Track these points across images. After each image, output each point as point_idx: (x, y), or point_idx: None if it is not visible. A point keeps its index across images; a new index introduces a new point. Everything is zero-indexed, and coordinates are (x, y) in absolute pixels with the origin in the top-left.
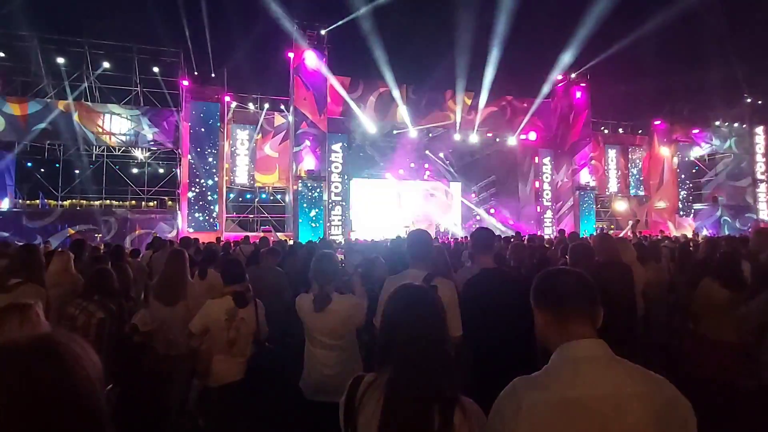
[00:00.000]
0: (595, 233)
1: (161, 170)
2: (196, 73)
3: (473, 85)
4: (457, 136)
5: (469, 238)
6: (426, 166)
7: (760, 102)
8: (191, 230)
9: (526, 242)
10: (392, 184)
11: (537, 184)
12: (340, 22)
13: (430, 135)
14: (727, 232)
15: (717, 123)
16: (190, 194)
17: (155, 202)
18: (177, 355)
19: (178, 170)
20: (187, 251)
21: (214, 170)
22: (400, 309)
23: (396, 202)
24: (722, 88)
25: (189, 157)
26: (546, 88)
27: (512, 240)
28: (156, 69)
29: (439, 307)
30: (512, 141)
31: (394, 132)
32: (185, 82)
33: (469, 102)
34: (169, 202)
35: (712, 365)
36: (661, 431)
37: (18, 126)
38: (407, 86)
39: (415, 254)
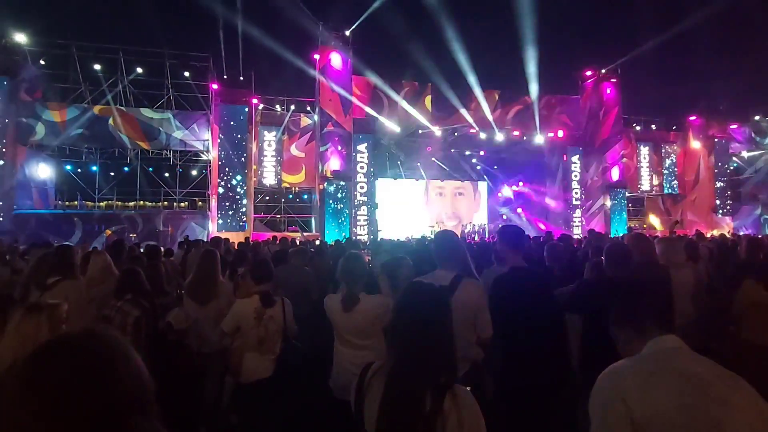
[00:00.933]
0: (627, 233)
1: (192, 172)
2: (225, 76)
3: (500, 82)
4: (482, 135)
5: (496, 237)
6: (452, 165)
7: None
8: (220, 230)
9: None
10: (418, 184)
11: (566, 182)
12: (361, 19)
13: (456, 134)
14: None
15: (757, 118)
16: (220, 194)
17: (186, 203)
18: (210, 353)
19: (208, 171)
20: (218, 251)
21: (243, 171)
22: (406, 304)
23: (422, 201)
24: (762, 80)
25: (218, 158)
26: (574, 85)
27: (542, 240)
28: (186, 73)
29: (444, 306)
30: (539, 139)
31: (420, 132)
32: (214, 86)
33: (496, 100)
34: (200, 203)
35: (757, 370)
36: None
37: (57, 131)
38: (432, 85)
39: (442, 255)
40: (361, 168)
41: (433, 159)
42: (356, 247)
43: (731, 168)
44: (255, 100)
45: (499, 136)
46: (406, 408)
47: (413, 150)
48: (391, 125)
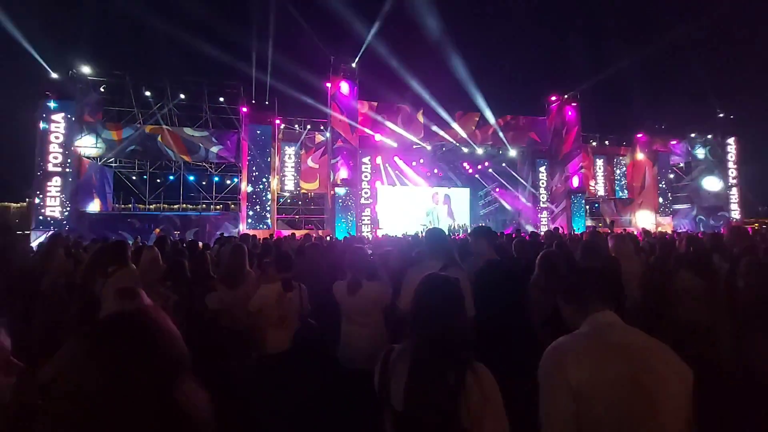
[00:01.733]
0: (585, 231)
1: (226, 180)
2: (253, 101)
3: (480, 106)
4: (465, 149)
5: (470, 236)
6: (440, 174)
7: (731, 116)
8: (249, 228)
9: (527, 238)
10: (412, 190)
11: (535, 188)
12: (362, 51)
13: (443, 149)
14: (702, 229)
15: (692, 135)
16: (248, 200)
17: (221, 206)
18: (238, 329)
19: (239, 180)
20: (246, 245)
21: (268, 179)
22: (426, 292)
23: (416, 204)
24: (696, 104)
25: (247, 169)
26: (541, 108)
27: (513, 236)
28: (221, 99)
29: (458, 293)
30: (513, 153)
31: (414, 147)
32: (244, 109)
33: (476, 120)
34: (232, 206)
35: (688, 344)
36: (687, 379)
37: (114, 146)
38: (424, 108)
39: (432, 248)
40: (365, 176)
41: (424, 169)
42: (361, 242)
43: (671, 176)
44: (278, 121)
45: (479, 150)
46: (433, 384)
47: (408, 161)
48: (389, 141)
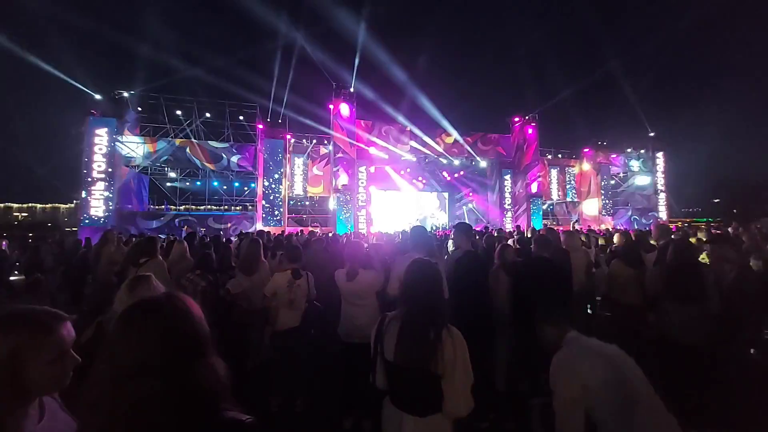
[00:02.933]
0: (542, 228)
1: (245, 186)
2: (268, 119)
3: (457, 124)
4: (444, 161)
5: (453, 231)
6: (424, 181)
7: (659, 134)
8: (264, 226)
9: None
10: (401, 194)
11: (501, 194)
12: (356, 77)
13: (427, 160)
14: (635, 227)
15: (629, 150)
16: (264, 202)
17: (240, 206)
18: (255, 310)
19: (256, 185)
20: (261, 240)
21: (280, 184)
22: (414, 272)
23: (405, 206)
24: (633, 124)
25: (262, 176)
26: (506, 126)
27: (484, 232)
28: (241, 117)
29: (438, 274)
30: (483, 164)
31: (402, 158)
32: (260, 126)
33: (452, 137)
34: (249, 207)
35: (621, 321)
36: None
37: (150, 157)
38: (410, 128)
39: (415, 242)
40: (361, 182)
41: (411, 176)
42: (358, 237)
43: (612, 183)
44: (288, 136)
45: (456, 162)
46: (416, 339)
47: (397, 170)
48: (381, 154)
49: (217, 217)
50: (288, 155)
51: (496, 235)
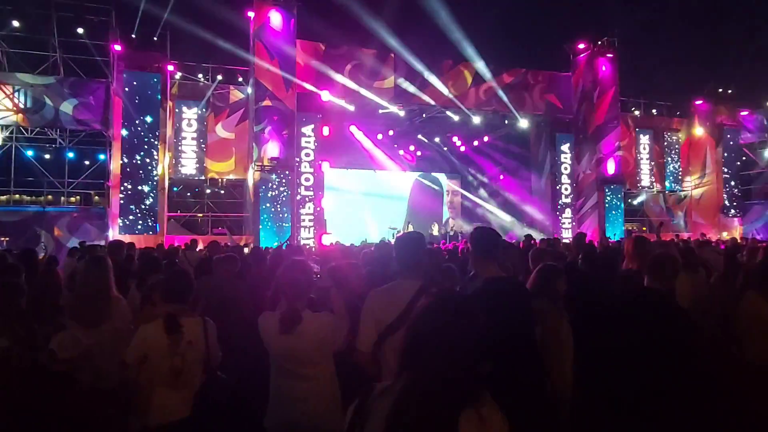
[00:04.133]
0: (624, 236)
1: (86, 158)
2: (132, 36)
3: (477, 55)
4: (456, 117)
5: (468, 242)
6: (419, 153)
7: None
8: (124, 233)
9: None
10: (377, 176)
11: (554, 176)
12: None
13: (424, 116)
14: None
15: None
16: (123, 188)
17: (78, 197)
18: (107, 389)
19: (108, 157)
20: (116, 259)
21: (154, 157)
22: (434, 311)
23: (383, 196)
24: None
25: (121, 140)
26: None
27: (521, 245)
28: (80, 30)
29: (474, 314)
30: (524, 123)
31: (380, 112)
32: (117, 47)
33: (471, 75)
34: (96, 198)
35: (760, 397)
36: None
37: None
38: (395, 55)
39: (404, 262)
40: (307, 155)
41: (396, 145)
42: (301, 253)
43: (742, 161)
44: (171, 67)
45: (476, 119)
46: (426, 422)
47: (372, 134)
48: (344, 103)
49: (33, 216)
50: (170, 103)
51: (545, 248)
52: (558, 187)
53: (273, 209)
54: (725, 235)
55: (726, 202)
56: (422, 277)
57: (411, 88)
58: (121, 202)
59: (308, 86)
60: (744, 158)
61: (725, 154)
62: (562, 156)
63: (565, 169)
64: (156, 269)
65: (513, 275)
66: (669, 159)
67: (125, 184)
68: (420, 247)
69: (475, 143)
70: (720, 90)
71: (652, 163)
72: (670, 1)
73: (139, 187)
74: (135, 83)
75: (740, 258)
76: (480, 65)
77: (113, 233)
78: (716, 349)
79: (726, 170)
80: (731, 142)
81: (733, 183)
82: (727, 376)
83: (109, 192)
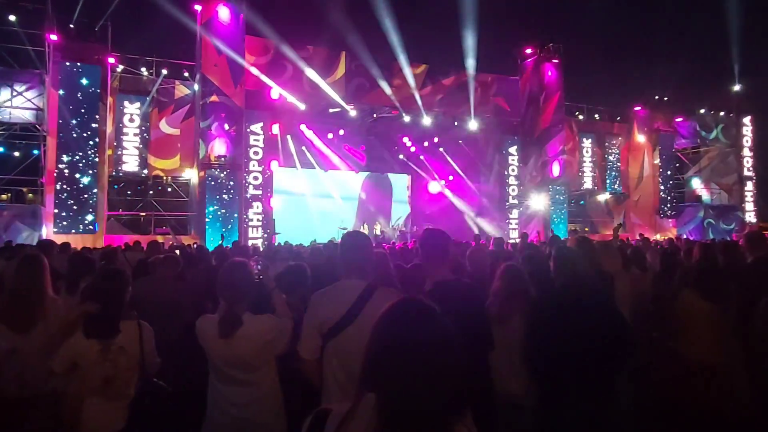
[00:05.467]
0: (568, 236)
1: (17, 152)
2: (71, 25)
3: (428, 57)
4: (407, 118)
5: (418, 243)
6: (369, 154)
7: (748, 90)
8: (60, 232)
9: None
10: (326, 176)
11: (503, 177)
12: None
13: (375, 116)
14: (712, 236)
15: (702, 111)
16: (59, 185)
17: (8, 194)
18: (33, 399)
19: (42, 152)
20: (49, 258)
21: (93, 153)
22: (399, 327)
23: (332, 196)
24: (709, 73)
25: (57, 134)
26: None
27: (473, 244)
28: (12, 17)
29: (443, 325)
30: (473, 125)
31: (330, 111)
32: (54, 37)
33: (422, 77)
34: (29, 195)
35: (691, 391)
36: None
37: None
38: (347, 53)
39: (350, 262)
40: (255, 153)
41: (346, 145)
42: (244, 254)
43: (676, 165)
44: (112, 60)
45: (427, 120)
46: None
47: (322, 133)
48: (293, 102)
49: None
50: (111, 97)
51: (492, 249)
52: (505, 189)
53: (220, 208)
54: (659, 236)
55: (661, 205)
56: (367, 277)
57: (362, 88)
58: (56, 200)
59: (263, 80)
60: (677, 163)
61: (661, 159)
62: (510, 158)
63: (513, 170)
64: (89, 271)
65: (461, 277)
66: (610, 162)
67: (61, 180)
68: (364, 247)
69: (426, 144)
70: (657, 97)
71: (594, 166)
72: (611, 13)
73: (76, 185)
74: (72, 75)
75: (680, 257)
76: (431, 67)
77: (47, 232)
78: (654, 345)
79: (661, 174)
80: (667, 147)
81: (667, 187)
82: (665, 370)
83: (43, 189)
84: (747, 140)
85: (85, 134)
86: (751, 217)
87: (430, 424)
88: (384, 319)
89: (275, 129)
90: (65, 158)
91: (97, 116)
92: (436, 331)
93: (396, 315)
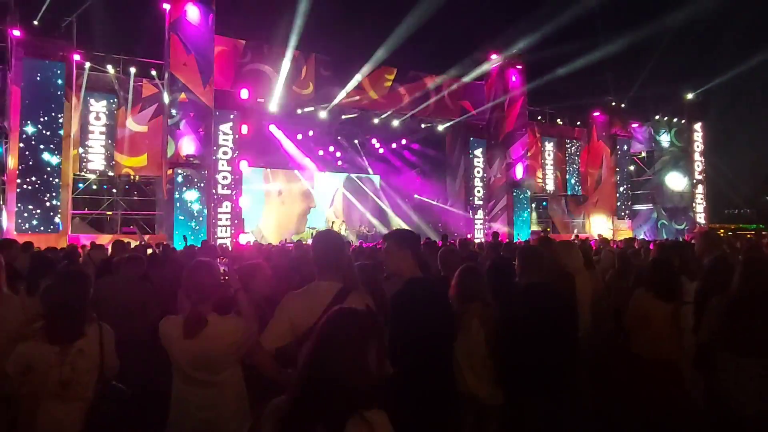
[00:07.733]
0: (530, 237)
1: None
2: (35, 22)
3: (397, 60)
4: (375, 120)
5: (384, 243)
6: (338, 155)
7: (699, 97)
8: (22, 231)
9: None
10: (296, 176)
11: (468, 179)
12: None
13: (344, 117)
14: (665, 236)
15: (656, 117)
16: (21, 183)
17: None
18: None
19: (4, 150)
20: (7, 257)
21: (57, 151)
22: (337, 318)
23: (303, 196)
24: (663, 81)
25: (20, 132)
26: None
27: (440, 244)
28: None
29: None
30: (440, 128)
31: (299, 112)
32: (16, 32)
33: (391, 79)
34: None
35: (645, 385)
36: None
37: None
38: (316, 55)
39: (323, 262)
40: (224, 153)
41: (315, 146)
42: (212, 253)
43: (630, 170)
44: (77, 57)
45: (394, 122)
46: None
47: (291, 134)
48: (263, 102)
49: None
50: (77, 94)
51: (457, 249)
52: (471, 190)
53: (188, 207)
54: (612, 236)
55: (619, 205)
56: (342, 279)
57: (331, 90)
58: (18, 198)
59: (236, 77)
60: (633, 167)
61: (618, 162)
62: (475, 160)
63: (478, 172)
64: (49, 271)
65: (430, 276)
66: (570, 165)
67: (23, 178)
68: (338, 247)
69: (394, 146)
70: (614, 103)
71: (555, 169)
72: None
73: (40, 183)
74: (36, 72)
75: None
76: (400, 70)
77: (10, 230)
78: (610, 342)
79: (618, 177)
80: (623, 152)
81: (624, 189)
82: (619, 367)
83: (5, 187)
84: (698, 145)
85: (48, 132)
86: (701, 218)
87: (336, 407)
88: (334, 312)
89: (245, 129)
90: (28, 155)
91: (61, 113)
92: (354, 331)
93: (331, 322)
